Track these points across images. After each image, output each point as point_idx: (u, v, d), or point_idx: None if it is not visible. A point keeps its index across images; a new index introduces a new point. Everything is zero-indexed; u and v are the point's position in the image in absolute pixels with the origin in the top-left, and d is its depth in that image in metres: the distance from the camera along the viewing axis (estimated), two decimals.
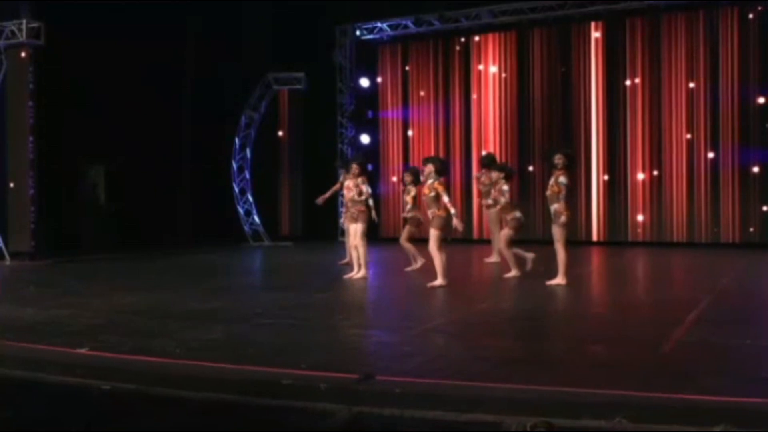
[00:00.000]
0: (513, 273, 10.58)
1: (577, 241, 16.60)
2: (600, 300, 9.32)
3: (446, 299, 8.88)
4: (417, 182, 10.89)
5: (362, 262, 10.71)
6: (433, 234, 9.58)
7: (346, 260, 12.10)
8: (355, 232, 10.78)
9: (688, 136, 16.43)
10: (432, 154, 17.97)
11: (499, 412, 4.27)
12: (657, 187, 16.68)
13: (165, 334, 6.43)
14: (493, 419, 4.22)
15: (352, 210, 10.81)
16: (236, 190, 19.11)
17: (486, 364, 5.27)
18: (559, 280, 9.58)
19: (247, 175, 19.14)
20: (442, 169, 9.80)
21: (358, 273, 10.70)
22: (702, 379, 4.76)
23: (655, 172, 16.68)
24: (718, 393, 4.39)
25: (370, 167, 18.79)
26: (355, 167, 10.96)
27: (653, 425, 4.08)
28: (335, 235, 18.76)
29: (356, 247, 10.76)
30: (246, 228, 19.16)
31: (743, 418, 4.05)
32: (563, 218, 9.47)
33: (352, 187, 10.82)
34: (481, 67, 18.26)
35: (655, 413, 4.16)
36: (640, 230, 16.77)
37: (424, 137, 18.84)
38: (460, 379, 4.81)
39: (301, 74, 18.93)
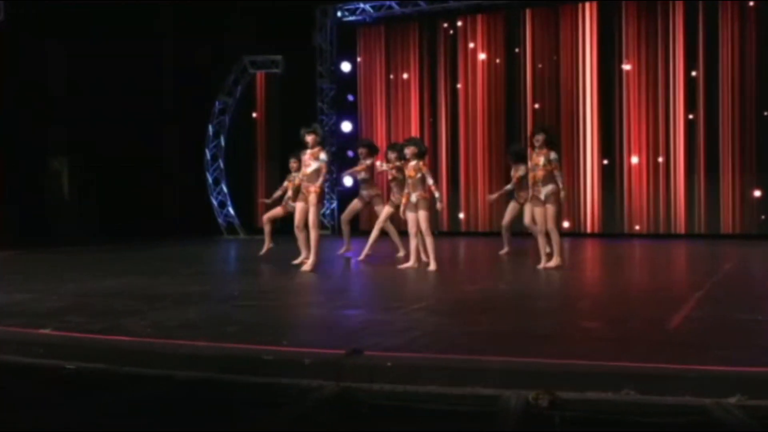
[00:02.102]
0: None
1: (572, 232, 16.64)
2: (599, 282, 9.35)
3: (437, 282, 8.88)
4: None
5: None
6: (424, 215, 9.73)
7: (344, 249, 11.94)
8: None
9: (690, 116, 16.41)
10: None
11: (497, 385, 4.22)
12: (654, 177, 16.68)
13: (136, 314, 6.33)
14: (491, 392, 4.17)
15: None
16: (210, 180, 18.93)
17: (482, 339, 5.21)
18: (556, 261, 9.68)
19: (221, 165, 18.97)
20: (425, 151, 9.97)
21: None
22: (713, 351, 4.70)
23: (654, 161, 16.66)
24: (731, 364, 4.32)
25: (350, 154, 18.79)
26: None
27: (663, 396, 4.03)
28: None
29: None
30: (220, 220, 19.00)
31: (759, 387, 3.99)
32: (562, 194, 9.62)
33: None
34: (471, 45, 18.15)
35: (665, 384, 4.11)
36: (637, 226, 16.75)
37: (408, 124, 18.71)
38: (455, 352, 4.73)
39: (278, 57, 18.78)
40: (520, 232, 12.22)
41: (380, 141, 18.74)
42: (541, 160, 9.61)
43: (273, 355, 4.76)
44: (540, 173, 9.62)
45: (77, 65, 16.06)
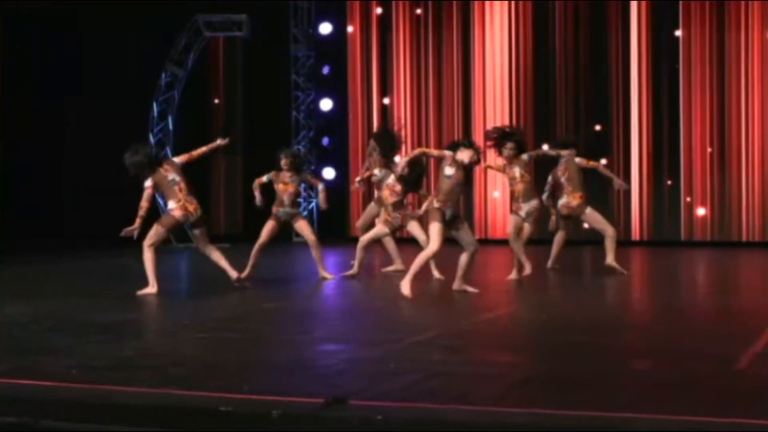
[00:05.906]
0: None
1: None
2: (648, 308, 9.41)
3: (441, 309, 8.94)
4: None
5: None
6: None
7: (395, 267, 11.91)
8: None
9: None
10: (417, 127, 18.08)
11: None
12: (720, 166, 16.70)
13: (57, 351, 6.34)
14: None
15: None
16: None
17: (502, 384, 5.26)
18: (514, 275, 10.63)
19: (169, 153, 18.94)
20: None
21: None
22: None
23: (719, 147, 16.70)
24: None
25: (326, 141, 18.82)
26: None
27: None
28: (289, 235, 18.61)
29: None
30: None
31: None
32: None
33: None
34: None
35: None
36: (698, 231, 16.78)
37: (405, 104, 18.71)
38: (465, 402, 4.76)
39: (242, 17, 18.74)
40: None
41: (373, 125, 18.79)
42: (517, 171, 10.59)
43: (231, 405, 4.80)
44: (519, 186, 10.64)
45: None
